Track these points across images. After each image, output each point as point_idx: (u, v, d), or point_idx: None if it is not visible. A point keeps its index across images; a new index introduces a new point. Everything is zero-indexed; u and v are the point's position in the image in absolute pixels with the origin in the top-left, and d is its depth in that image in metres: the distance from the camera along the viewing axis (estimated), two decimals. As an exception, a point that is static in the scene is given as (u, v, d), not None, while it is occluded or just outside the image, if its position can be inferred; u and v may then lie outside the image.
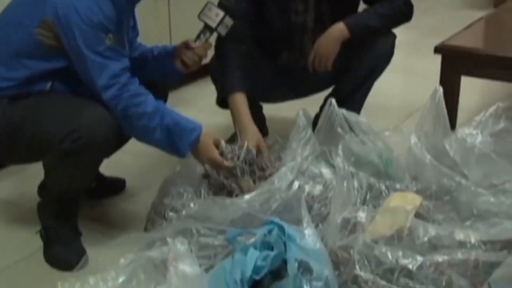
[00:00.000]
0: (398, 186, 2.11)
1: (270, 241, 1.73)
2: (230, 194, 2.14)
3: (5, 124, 2.06)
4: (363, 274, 1.71)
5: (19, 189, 2.64)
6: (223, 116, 2.56)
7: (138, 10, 2.30)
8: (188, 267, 1.67)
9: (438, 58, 2.75)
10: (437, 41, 2.78)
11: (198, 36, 2.27)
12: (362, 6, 2.65)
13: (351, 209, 1.93)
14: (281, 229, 1.74)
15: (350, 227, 1.88)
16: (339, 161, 2.03)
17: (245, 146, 2.20)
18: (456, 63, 2.74)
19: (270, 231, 1.75)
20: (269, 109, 2.93)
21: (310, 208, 2.01)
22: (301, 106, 2.30)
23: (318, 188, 2.13)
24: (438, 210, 1.98)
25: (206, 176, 2.22)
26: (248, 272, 1.65)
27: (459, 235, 1.79)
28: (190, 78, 3.25)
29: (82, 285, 1.72)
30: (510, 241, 1.75)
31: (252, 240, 1.76)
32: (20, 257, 2.20)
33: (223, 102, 2.55)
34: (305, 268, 1.65)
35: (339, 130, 2.26)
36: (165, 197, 2.17)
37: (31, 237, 2.23)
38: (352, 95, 2.67)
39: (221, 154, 2.17)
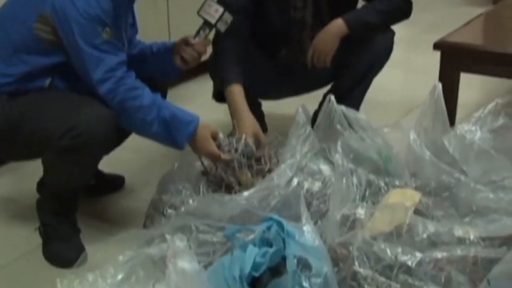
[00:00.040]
0: (397, 182, 2.11)
1: (269, 237, 1.73)
2: (229, 190, 2.14)
3: (4, 121, 2.06)
4: (362, 270, 1.71)
5: (18, 186, 2.64)
6: (223, 113, 2.56)
7: (137, 7, 2.30)
8: (187, 264, 1.67)
9: (437, 55, 2.74)
10: (436, 38, 2.78)
11: (198, 33, 2.27)
12: (361, 3, 2.64)
13: (350, 206, 1.93)
14: (280, 225, 1.74)
15: (349, 223, 1.88)
16: (338, 157, 2.03)
17: (243, 138, 2.20)
18: (455, 59, 2.73)
19: (269, 228, 1.75)
20: (268, 106, 2.93)
21: (309, 205, 2.01)
22: (300, 102, 2.29)
23: (317, 185, 2.13)
24: (437, 207, 1.98)
25: (205, 173, 2.22)
26: (247, 269, 1.66)
27: (458, 232, 1.79)
28: (189, 74, 3.24)
29: (81, 282, 1.72)
30: (509, 237, 1.75)
31: (251, 236, 1.76)
32: (19, 254, 2.20)
33: (219, 95, 2.55)
34: (304, 265, 1.65)
35: (338, 126, 2.26)
36: (164, 194, 2.17)
37: (30, 234, 2.23)
38: (351, 92, 2.66)
39: (219, 146, 2.17)
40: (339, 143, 2.10)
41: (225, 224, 1.93)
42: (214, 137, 2.18)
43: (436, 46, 2.74)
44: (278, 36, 2.64)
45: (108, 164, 2.46)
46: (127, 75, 2.07)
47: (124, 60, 2.08)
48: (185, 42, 2.31)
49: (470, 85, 3.16)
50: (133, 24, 2.34)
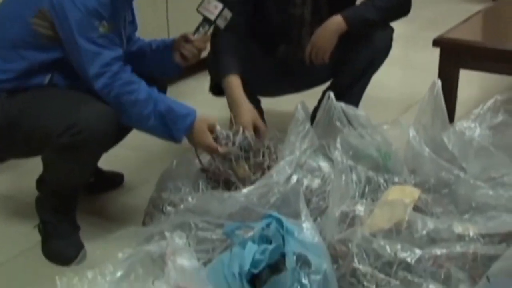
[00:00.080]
0: (396, 179, 2.11)
1: (268, 234, 1.73)
2: (228, 187, 2.14)
3: (4, 118, 2.06)
4: (361, 267, 1.71)
5: (17, 184, 2.64)
6: (222, 110, 2.56)
7: (136, 4, 2.29)
8: (186, 261, 1.67)
9: (436, 51, 2.74)
10: (435, 34, 2.78)
11: (197, 29, 2.27)
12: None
13: (350, 203, 1.93)
14: (280, 222, 1.74)
15: (349, 220, 1.87)
16: (337, 154, 2.02)
17: (241, 131, 2.20)
18: (454, 56, 2.73)
19: (268, 225, 1.75)
20: (268, 103, 2.92)
21: (308, 202, 2.01)
22: (299, 99, 2.29)
23: (316, 182, 2.13)
24: (437, 203, 1.98)
25: (204, 170, 2.22)
26: (246, 266, 1.65)
27: (458, 228, 1.79)
28: (189, 71, 3.24)
29: (80, 279, 1.72)
30: (508, 234, 1.75)
31: (250, 233, 1.76)
32: (19, 251, 2.20)
33: (215, 89, 2.55)
34: (303, 262, 1.65)
35: (338, 123, 2.26)
36: (163, 191, 2.17)
37: (29, 231, 2.23)
38: (350, 89, 2.66)
39: (216, 139, 2.17)
40: (338, 140, 2.10)
41: (224, 221, 1.93)
42: (211, 130, 2.17)
43: (435, 42, 2.74)
44: (277, 33, 2.64)
45: (107, 161, 2.45)
46: (122, 69, 2.06)
47: (121, 55, 2.08)
48: (185, 38, 2.30)
49: (470, 81, 3.16)
50: (133, 21, 2.34)
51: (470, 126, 2.23)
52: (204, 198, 2.06)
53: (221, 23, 2.24)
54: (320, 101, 2.51)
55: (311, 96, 2.72)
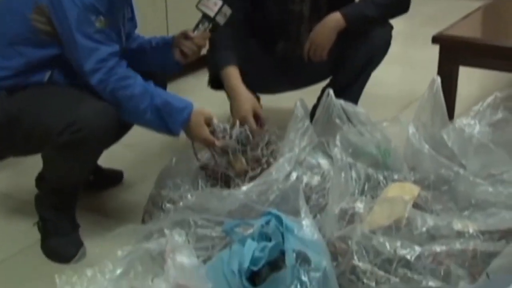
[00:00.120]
0: (396, 176, 2.11)
1: (268, 232, 1.73)
2: (227, 184, 2.14)
3: (3, 116, 2.05)
4: (361, 264, 1.71)
5: (16, 181, 2.64)
6: (222, 107, 2.56)
7: (136, 1, 2.29)
8: (185, 258, 1.67)
9: (436, 48, 2.74)
10: (434, 31, 2.78)
11: (197, 26, 2.27)
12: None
13: (349, 200, 1.93)
14: (279, 220, 1.73)
15: (348, 217, 1.87)
16: (337, 151, 2.02)
17: (237, 124, 2.20)
18: (454, 53, 2.73)
19: (267, 222, 1.75)
20: (267, 100, 2.92)
21: (308, 199, 2.01)
22: (298, 97, 2.29)
23: (316, 179, 2.13)
24: (436, 200, 1.98)
25: (203, 167, 2.22)
26: (246, 263, 1.65)
27: (457, 225, 1.79)
28: (188, 69, 3.24)
29: (80, 277, 1.72)
30: (508, 231, 1.75)
31: (250, 231, 1.76)
32: (18, 249, 2.20)
33: (214, 82, 2.54)
34: (303, 259, 1.65)
35: (337, 121, 2.25)
36: (163, 188, 2.17)
37: (28, 229, 2.22)
38: (350, 86, 2.66)
39: (213, 132, 2.16)
40: (338, 137, 2.09)
41: (223, 219, 1.93)
42: (208, 123, 2.17)
43: (435, 39, 2.73)
44: (276, 29, 2.63)
45: (106, 159, 2.45)
46: (118, 64, 2.06)
47: (117, 51, 2.07)
48: (184, 35, 2.30)
49: (469, 78, 3.16)
50: (132, 19, 2.34)
51: (469, 123, 2.22)
52: (204, 196, 2.06)
53: (221, 20, 2.24)
54: (319, 98, 2.51)
55: (310, 94, 2.72)
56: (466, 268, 1.69)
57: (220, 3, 2.21)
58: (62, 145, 1.97)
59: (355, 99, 2.64)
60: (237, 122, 2.21)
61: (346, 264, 1.73)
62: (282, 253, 1.67)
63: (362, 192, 2.05)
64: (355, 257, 1.72)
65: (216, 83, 2.51)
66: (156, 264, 1.77)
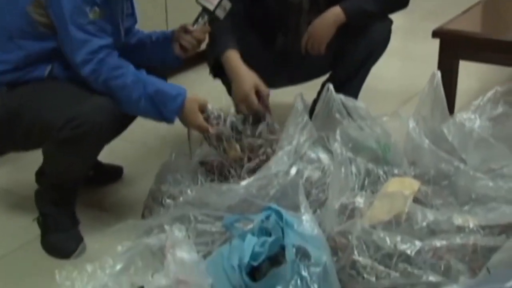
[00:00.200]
0: (396, 171, 2.10)
1: (268, 227, 1.73)
2: (226, 179, 2.14)
3: (4, 112, 2.05)
4: (361, 259, 1.71)
5: (16, 177, 2.64)
6: (222, 101, 2.55)
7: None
8: (185, 253, 1.67)
9: (436, 43, 2.74)
10: (435, 25, 2.77)
11: (196, 20, 2.26)
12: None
13: (349, 195, 1.93)
14: (279, 215, 1.73)
15: (348, 212, 1.87)
16: (337, 146, 2.02)
17: (232, 110, 2.20)
18: (454, 47, 2.73)
19: (267, 217, 1.75)
20: (267, 95, 2.92)
21: (308, 194, 2.01)
22: (298, 91, 2.29)
23: (316, 174, 2.13)
24: (437, 195, 1.98)
25: (203, 163, 2.22)
26: (246, 258, 1.65)
27: (458, 220, 1.79)
28: (188, 64, 3.24)
29: (80, 272, 1.72)
30: (508, 225, 1.75)
31: (250, 226, 1.76)
32: (18, 245, 2.20)
33: (215, 69, 2.53)
34: (303, 254, 1.65)
35: (337, 115, 2.25)
36: (162, 184, 2.17)
37: (28, 224, 2.22)
38: (350, 81, 2.65)
39: (207, 119, 2.16)
40: (337, 132, 2.09)
41: (223, 214, 1.93)
42: (202, 110, 2.17)
43: (435, 34, 2.73)
44: (275, 22, 2.62)
45: (106, 154, 2.45)
46: (109, 55, 2.05)
47: (109, 43, 2.07)
48: (184, 29, 2.30)
49: (469, 73, 3.16)
50: (132, 14, 2.34)
51: (470, 118, 2.22)
52: (204, 191, 2.06)
53: (220, 14, 2.23)
54: (319, 93, 2.50)
55: (310, 88, 2.71)
56: (466, 263, 1.69)
57: (219, -4, 2.21)
58: (62, 140, 1.97)
59: (355, 94, 2.63)
60: (231, 109, 2.21)
61: (346, 259, 1.73)
62: (282, 248, 1.67)
63: (362, 187, 2.05)
64: (355, 252, 1.71)
65: (218, 70, 2.49)
66: (156, 260, 1.78)
